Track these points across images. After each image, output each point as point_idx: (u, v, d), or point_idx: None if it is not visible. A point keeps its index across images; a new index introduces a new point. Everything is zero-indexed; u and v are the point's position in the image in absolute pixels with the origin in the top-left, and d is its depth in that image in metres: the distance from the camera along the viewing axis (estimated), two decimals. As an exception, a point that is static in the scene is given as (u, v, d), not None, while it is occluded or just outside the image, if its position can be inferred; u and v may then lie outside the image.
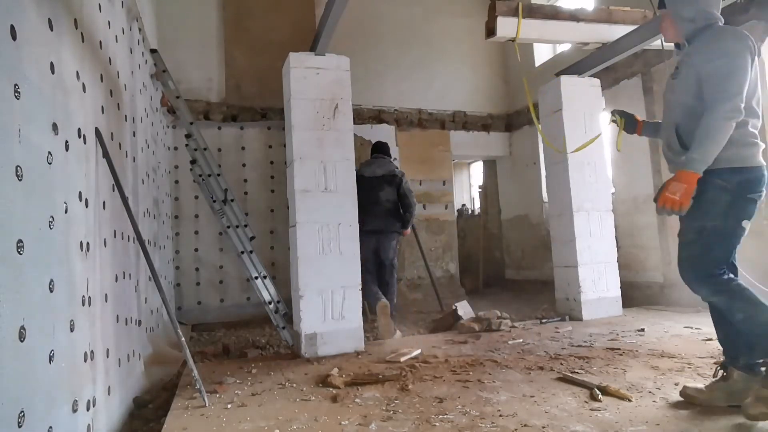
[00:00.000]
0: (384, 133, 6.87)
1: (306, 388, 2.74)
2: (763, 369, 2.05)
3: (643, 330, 3.88)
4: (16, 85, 1.46)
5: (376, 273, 5.06)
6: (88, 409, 1.97)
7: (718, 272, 2.08)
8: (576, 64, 4.89)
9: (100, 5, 2.65)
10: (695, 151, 2.03)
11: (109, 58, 2.81)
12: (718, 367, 2.20)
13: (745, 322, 2.04)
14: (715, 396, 2.13)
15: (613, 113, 2.66)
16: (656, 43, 4.22)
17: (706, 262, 2.10)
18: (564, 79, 4.83)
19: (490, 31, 4.14)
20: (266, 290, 4.12)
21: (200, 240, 6.07)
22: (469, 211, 9.69)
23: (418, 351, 3.45)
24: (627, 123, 2.60)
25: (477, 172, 10.25)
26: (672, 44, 2.43)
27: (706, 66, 2.09)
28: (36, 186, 1.58)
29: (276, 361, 3.48)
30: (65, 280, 1.81)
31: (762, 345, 2.02)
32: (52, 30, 1.82)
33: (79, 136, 2.10)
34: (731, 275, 2.10)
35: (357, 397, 2.53)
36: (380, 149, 5.36)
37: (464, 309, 4.55)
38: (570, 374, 2.72)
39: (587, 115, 4.84)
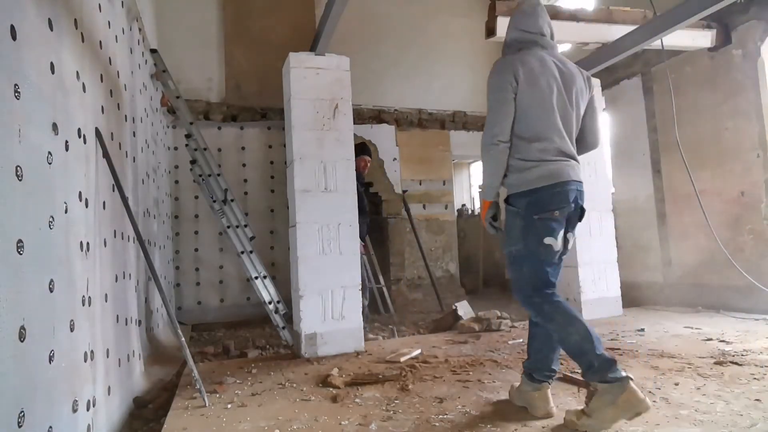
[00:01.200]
0: (384, 133, 6.88)
1: (306, 388, 2.74)
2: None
3: (643, 330, 3.88)
4: (16, 85, 1.46)
5: None
6: (88, 409, 1.97)
7: (538, 293, 2.12)
8: (576, 64, 4.88)
9: (100, 5, 2.65)
10: (481, 180, 2.29)
11: (109, 58, 2.81)
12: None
13: (560, 342, 2.11)
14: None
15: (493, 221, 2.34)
16: (656, 43, 4.23)
17: (523, 283, 2.16)
18: (564, 79, 4.82)
19: (490, 31, 4.14)
20: (266, 290, 4.12)
21: (200, 240, 6.07)
22: (469, 211, 9.69)
23: (418, 351, 3.45)
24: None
25: (477, 172, 10.25)
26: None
27: None
28: (36, 186, 1.58)
29: (276, 361, 3.48)
30: (65, 280, 1.81)
31: (580, 363, 2.04)
32: (52, 30, 1.82)
33: (79, 136, 2.10)
34: (548, 296, 2.12)
35: (357, 397, 2.53)
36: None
37: (464, 309, 4.55)
38: (570, 374, 2.72)
39: (587, 115, 4.84)
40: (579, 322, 2.04)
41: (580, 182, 2.18)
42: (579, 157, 2.25)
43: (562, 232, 2.12)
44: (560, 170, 2.11)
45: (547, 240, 2.08)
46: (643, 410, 1.87)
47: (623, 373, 1.93)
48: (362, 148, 5.08)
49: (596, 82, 4.94)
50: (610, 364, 1.94)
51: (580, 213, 2.21)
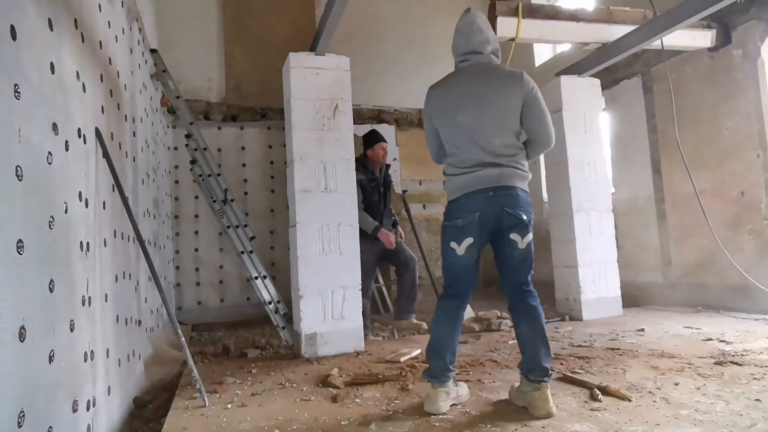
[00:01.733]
0: (384, 133, 6.85)
1: (306, 388, 2.74)
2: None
3: (643, 330, 3.88)
4: (16, 85, 1.46)
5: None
6: (88, 409, 1.97)
7: (444, 292, 2.49)
8: (576, 64, 4.89)
9: (100, 5, 2.65)
10: None
11: (109, 58, 2.81)
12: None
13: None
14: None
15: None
16: (656, 43, 4.23)
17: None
18: (564, 79, 4.83)
19: (490, 31, 4.13)
20: (266, 290, 4.13)
21: (200, 240, 6.07)
22: (469, 211, 9.66)
23: (418, 351, 3.45)
24: None
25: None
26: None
27: None
28: (36, 186, 1.58)
29: (276, 361, 3.48)
30: (65, 280, 1.81)
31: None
32: (52, 30, 1.82)
33: (79, 136, 2.10)
34: (445, 300, 2.45)
35: (357, 397, 2.53)
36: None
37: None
38: (570, 374, 2.72)
39: (587, 115, 4.85)
40: (440, 329, 2.35)
41: (498, 187, 2.28)
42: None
43: (470, 239, 2.32)
44: (465, 182, 2.35)
45: (452, 244, 2.37)
46: (433, 411, 2.21)
47: (429, 379, 2.28)
48: (374, 135, 4.53)
49: (596, 82, 4.94)
50: (430, 371, 2.30)
51: (510, 215, 2.26)
